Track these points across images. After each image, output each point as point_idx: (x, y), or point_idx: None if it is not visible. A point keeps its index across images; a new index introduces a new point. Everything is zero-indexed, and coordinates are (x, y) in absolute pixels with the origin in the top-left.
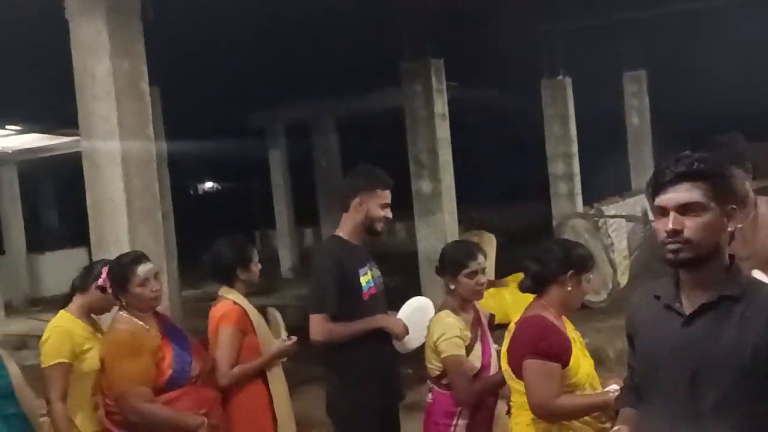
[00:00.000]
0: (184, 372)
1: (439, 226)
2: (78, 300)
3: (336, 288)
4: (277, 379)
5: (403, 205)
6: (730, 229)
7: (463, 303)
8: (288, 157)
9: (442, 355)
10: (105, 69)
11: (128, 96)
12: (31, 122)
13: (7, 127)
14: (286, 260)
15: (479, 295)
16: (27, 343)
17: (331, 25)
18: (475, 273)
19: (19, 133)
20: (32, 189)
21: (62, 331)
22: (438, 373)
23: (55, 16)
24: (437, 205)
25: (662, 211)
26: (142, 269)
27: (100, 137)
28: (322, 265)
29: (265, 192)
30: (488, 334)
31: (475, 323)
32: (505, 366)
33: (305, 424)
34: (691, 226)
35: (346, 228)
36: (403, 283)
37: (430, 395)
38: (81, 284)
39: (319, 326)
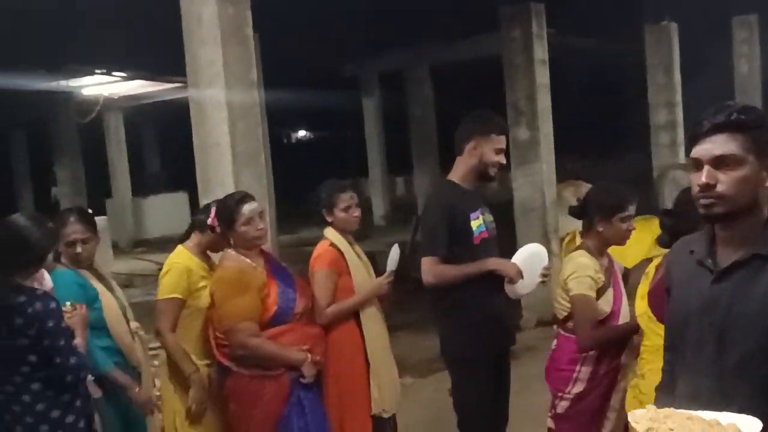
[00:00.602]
0: (288, 308)
1: (536, 176)
2: (195, 238)
3: (447, 231)
4: (371, 320)
5: None
6: (762, 185)
7: (602, 247)
8: (381, 106)
9: (570, 293)
10: (211, 13)
11: (233, 41)
12: (136, 69)
13: (114, 73)
14: (378, 208)
15: (625, 240)
16: (133, 281)
17: None
18: (629, 217)
19: (124, 80)
20: (136, 135)
21: (181, 268)
22: (565, 314)
23: None
24: (535, 154)
25: (696, 164)
26: (248, 208)
27: (205, 82)
28: (434, 208)
29: (358, 141)
30: (621, 283)
31: (609, 269)
32: (642, 309)
33: (399, 368)
34: (724, 180)
35: (458, 172)
36: (497, 232)
37: (554, 341)
38: (199, 223)
39: (430, 269)
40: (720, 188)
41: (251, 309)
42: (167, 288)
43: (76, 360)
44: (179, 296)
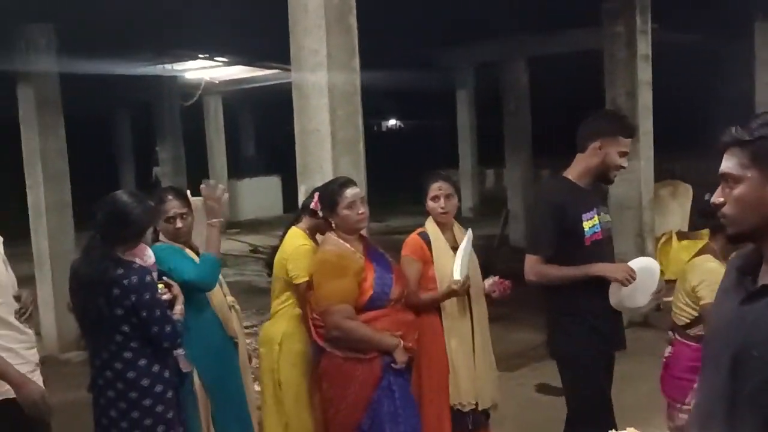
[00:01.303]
0: (384, 294)
1: (634, 174)
2: (305, 222)
3: (554, 231)
4: (452, 314)
5: None
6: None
7: (728, 251)
8: (475, 97)
9: (702, 302)
10: (317, 3)
11: (337, 29)
12: (237, 55)
13: (216, 58)
14: (467, 200)
15: None
16: (225, 261)
17: None
18: None
19: (225, 65)
20: (233, 119)
21: (310, 249)
22: (688, 321)
23: None
24: (633, 152)
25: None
26: (350, 192)
27: (309, 69)
28: (543, 206)
29: (449, 131)
30: None
31: None
32: None
33: None
34: (729, 201)
35: (576, 169)
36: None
37: (669, 348)
38: (308, 208)
39: (532, 267)
40: (726, 209)
41: (348, 292)
42: (305, 270)
43: (172, 328)
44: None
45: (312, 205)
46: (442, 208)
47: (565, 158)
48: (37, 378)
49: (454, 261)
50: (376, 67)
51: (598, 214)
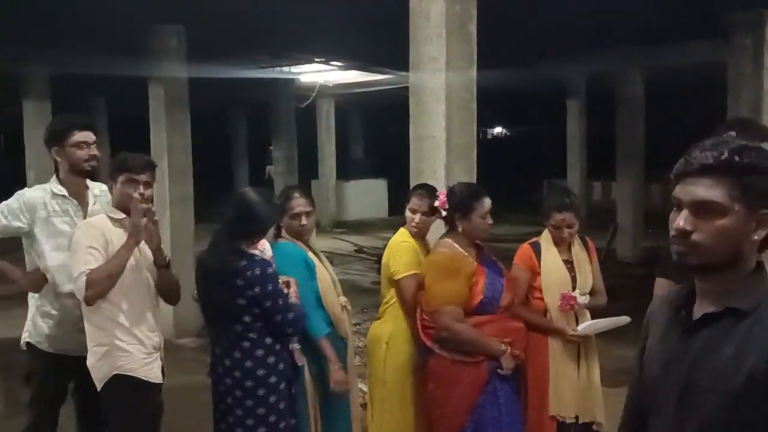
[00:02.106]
0: (494, 299)
1: None
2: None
3: None
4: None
5: None
6: (756, 237)
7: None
8: (587, 108)
9: None
10: (439, 10)
11: (457, 38)
12: (352, 59)
13: (331, 63)
14: None
15: None
16: (332, 259)
17: None
18: None
19: (340, 69)
20: (344, 122)
21: (409, 247)
22: None
23: None
24: None
25: (678, 203)
26: (487, 202)
27: (427, 76)
28: None
29: (557, 141)
30: None
31: None
32: None
33: None
34: (703, 228)
35: None
36: None
37: None
38: None
39: (661, 291)
40: (696, 237)
41: (458, 294)
42: (406, 266)
43: (293, 315)
44: (416, 271)
45: (438, 204)
46: (563, 238)
47: None
48: (156, 363)
49: (594, 321)
50: (485, 74)
51: None
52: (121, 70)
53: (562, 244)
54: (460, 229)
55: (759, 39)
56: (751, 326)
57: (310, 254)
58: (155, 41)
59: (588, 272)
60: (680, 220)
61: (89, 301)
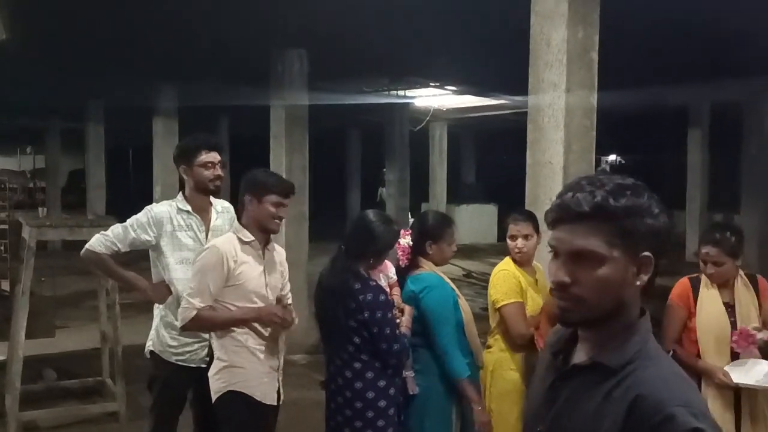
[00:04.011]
0: None
1: None
2: None
3: None
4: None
5: None
6: (639, 283)
7: None
8: (710, 138)
9: None
10: (561, 37)
11: (578, 64)
12: (466, 84)
13: (446, 87)
14: (693, 244)
15: None
16: None
17: None
18: None
19: (454, 94)
20: (456, 146)
21: (508, 275)
22: None
23: None
24: None
25: (554, 251)
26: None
27: (546, 102)
28: None
29: (676, 171)
30: None
31: None
32: None
33: None
34: (583, 280)
35: None
36: None
37: None
38: None
39: None
40: (575, 290)
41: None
42: (506, 294)
43: (399, 346)
44: (519, 300)
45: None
46: (710, 274)
47: None
48: (273, 384)
49: (752, 368)
50: (604, 98)
51: None
52: (246, 93)
53: (712, 280)
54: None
55: None
56: (615, 386)
57: (451, 284)
58: (279, 64)
59: (754, 317)
60: (558, 272)
61: (183, 329)
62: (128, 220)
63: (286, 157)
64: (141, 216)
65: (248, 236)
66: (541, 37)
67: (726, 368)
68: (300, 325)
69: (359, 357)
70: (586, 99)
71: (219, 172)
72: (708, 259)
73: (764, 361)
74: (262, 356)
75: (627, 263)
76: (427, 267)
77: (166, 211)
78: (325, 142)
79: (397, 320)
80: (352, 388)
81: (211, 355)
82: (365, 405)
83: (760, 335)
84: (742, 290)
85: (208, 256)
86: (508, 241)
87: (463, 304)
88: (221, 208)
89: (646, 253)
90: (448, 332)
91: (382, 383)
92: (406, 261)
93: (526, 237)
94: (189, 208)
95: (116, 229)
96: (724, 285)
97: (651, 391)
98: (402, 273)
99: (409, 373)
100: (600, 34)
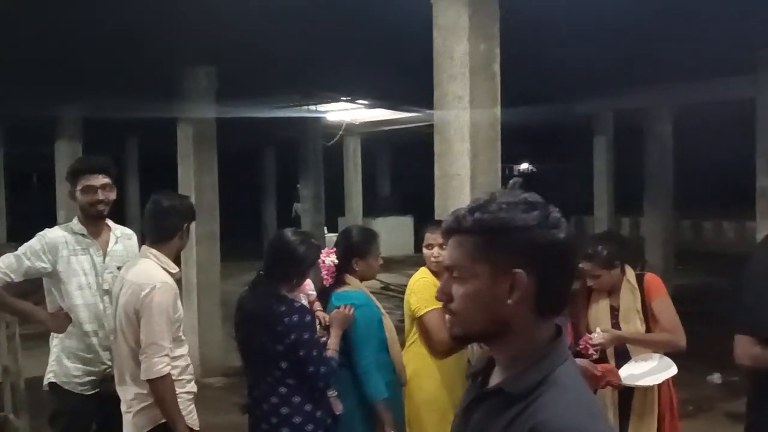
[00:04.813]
0: None
1: None
2: None
3: None
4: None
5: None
6: (510, 301)
7: None
8: (614, 145)
9: None
10: (463, 50)
11: (481, 76)
12: (378, 98)
13: (357, 101)
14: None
15: None
16: None
17: (678, 12)
18: None
19: (366, 108)
20: (371, 159)
21: (429, 283)
22: None
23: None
24: None
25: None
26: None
27: (452, 115)
28: (758, 274)
29: (584, 177)
30: None
31: None
32: None
33: None
34: (455, 296)
35: None
36: (728, 286)
37: None
38: None
39: (746, 349)
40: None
41: None
42: (427, 301)
43: (327, 369)
44: (439, 306)
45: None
46: (589, 285)
47: (708, 209)
48: (194, 409)
49: (632, 371)
50: (512, 111)
51: None
52: (152, 112)
53: (596, 290)
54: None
55: None
56: (517, 414)
57: (376, 301)
58: (185, 82)
59: (633, 318)
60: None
61: (153, 384)
62: (20, 248)
63: (195, 177)
64: (34, 242)
65: (175, 268)
66: (445, 51)
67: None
68: (215, 347)
69: (285, 381)
70: (490, 110)
71: (100, 196)
72: (585, 273)
73: (655, 355)
74: (188, 386)
75: (495, 280)
76: (353, 284)
77: (61, 235)
78: (240, 159)
79: (323, 339)
80: (278, 413)
81: (112, 379)
82: (293, 430)
83: (595, 338)
84: (626, 294)
85: (165, 295)
86: (425, 250)
87: (387, 323)
88: (121, 234)
89: (518, 270)
90: (370, 353)
91: (308, 407)
92: (330, 280)
93: (441, 246)
94: (85, 231)
95: (8, 258)
96: (614, 289)
97: (548, 421)
98: (326, 290)
99: (332, 393)
100: (505, 47)
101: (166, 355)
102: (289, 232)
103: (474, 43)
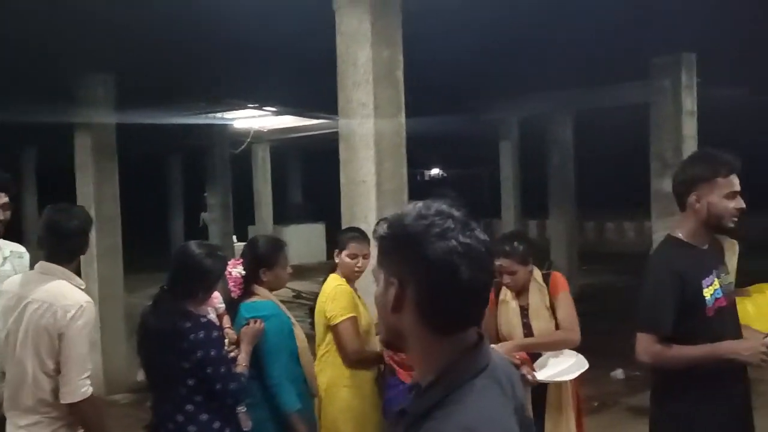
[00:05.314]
0: None
1: None
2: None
3: (672, 304)
4: None
5: (635, 204)
6: (392, 310)
7: None
8: (519, 149)
9: None
10: (366, 57)
11: (385, 83)
12: (286, 105)
13: (265, 108)
14: None
15: None
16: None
17: (576, 19)
18: None
19: (274, 114)
20: (281, 166)
21: (346, 290)
22: None
23: (321, 6)
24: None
25: None
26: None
27: (356, 122)
28: (656, 274)
29: (492, 181)
30: None
31: None
32: None
33: None
34: None
35: (685, 228)
36: (630, 284)
37: None
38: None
39: (647, 348)
40: None
41: None
42: (344, 309)
43: (236, 385)
44: (354, 314)
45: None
46: (506, 283)
47: (610, 211)
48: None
49: (550, 362)
50: (421, 117)
51: (718, 277)
52: (48, 120)
53: (510, 289)
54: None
55: (677, 81)
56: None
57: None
58: (81, 90)
59: (543, 315)
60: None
61: (73, 407)
62: None
63: (95, 187)
64: None
65: (81, 283)
66: (348, 58)
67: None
68: (120, 363)
69: (192, 399)
70: (394, 117)
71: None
72: (503, 270)
73: (567, 351)
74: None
75: (387, 288)
76: (262, 294)
77: None
78: (144, 168)
79: (231, 354)
80: (185, 431)
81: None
82: None
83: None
84: (534, 292)
85: (91, 314)
86: (347, 259)
87: (299, 332)
88: (10, 252)
89: (393, 280)
90: (281, 364)
91: (217, 424)
92: (238, 291)
93: (365, 257)
94: None
95: None
96: (522, 289)
97: None
98: (235, 302)
99: (241, 409)
100: (413, 54)
101: (89, 376)
102: (193, 245)
103: (377, 50)
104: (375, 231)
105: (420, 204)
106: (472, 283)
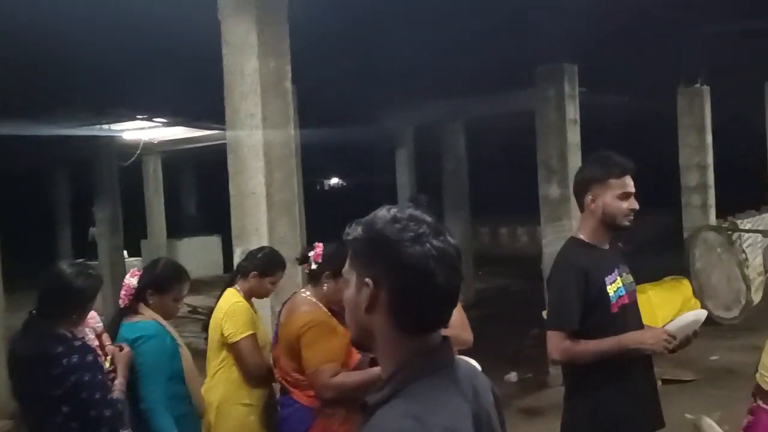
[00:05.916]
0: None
1: (565, 232)
2: (241, 284)
3: (578, 301)
4: None
5: (527, 209)
6: (365, 310)
7: None
8: (414, 157)
9: None
10: (253, 67)
11: (273, 94)
12: (176, 116)
13: (155, 119)
14: None
15: None
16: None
17: (467, 28)
18: None
19: (164, 126)
20: (173, 178)
21: (245, 307)
22: None
23: (206, 15)
24: (565, 211)
25: None
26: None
27: (245, 133)
28: (561, 274)
29: (390, 189)
30: None
31: None
32: None
33: None
34: None
35: (585, 228)
36: (524, 287)
37: (749, 417)
38: (244, 270)
39: (557, 345)
40: None
41: (339, 351)
42: (244, 327)
43: (112, 412)
44: (254, 331)
45: (313, 256)
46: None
47: (503, 216)
48: None
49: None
50: (317, 127)
51: (621, 275)
52: None
53: None
54: (325, 286)
55: (560, 90)
56: (362, 427)
57: (172, 332)
58: None
59: None
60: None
61: None
62: None
63: None
64: None
65: None
66: (235, 68)
67: None
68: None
69: (69, 426)
70: (283, 128)
71: None
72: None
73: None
74: None
75: (359, 288)
76: (146, 314)
77: None
78: (28, 182)
79: (111, 375)
80: None
81: None
82: None
83: None
84: None
85: None
86: (269, 285)
87: (185, 353)
88: None
89: (368, 280)
90: (158, 388)
91: None
92: (126, 301)
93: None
94: None
95: None
96: None
97: None
98: (119, 316)
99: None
100: (304, 64)
101: None
102: (64, 265)
103: (264, 61)
104: (346, 233)
105: (393, 208)
106: (446, 286)
